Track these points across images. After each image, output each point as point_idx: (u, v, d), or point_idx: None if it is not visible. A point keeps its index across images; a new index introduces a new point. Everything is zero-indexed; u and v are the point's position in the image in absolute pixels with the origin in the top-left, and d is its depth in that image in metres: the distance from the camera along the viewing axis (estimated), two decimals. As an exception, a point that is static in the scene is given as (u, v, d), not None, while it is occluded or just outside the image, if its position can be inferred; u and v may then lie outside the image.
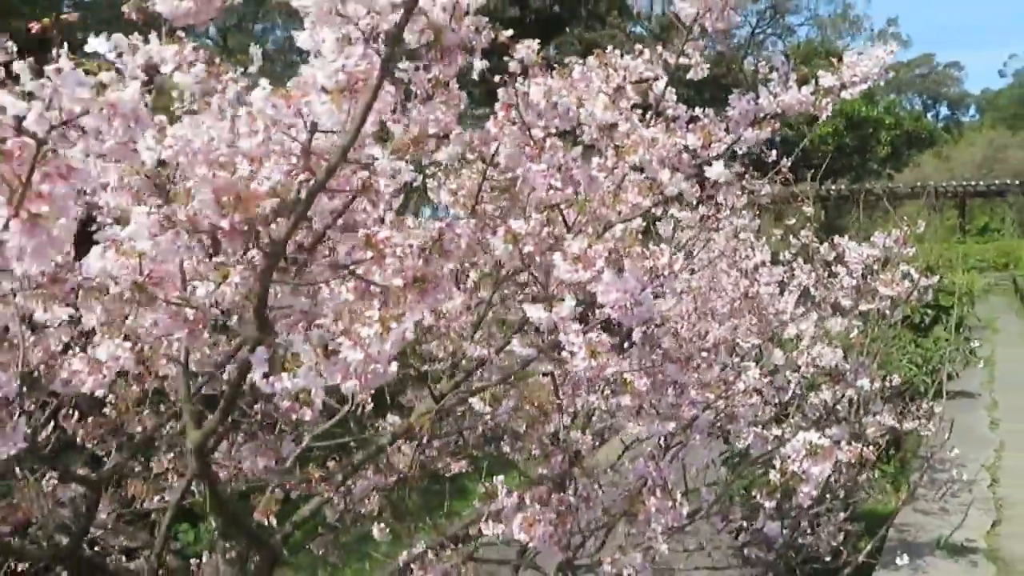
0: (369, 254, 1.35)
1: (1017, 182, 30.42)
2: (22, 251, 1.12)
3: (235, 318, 1.68)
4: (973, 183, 31.16)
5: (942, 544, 3.91)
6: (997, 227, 33.08)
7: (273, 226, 1.37)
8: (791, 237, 5.24)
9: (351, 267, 1.40)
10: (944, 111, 57.99)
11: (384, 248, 1.34)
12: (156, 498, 2.47)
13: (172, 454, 2.61)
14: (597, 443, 3.45)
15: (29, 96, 1.09)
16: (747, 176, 3.08)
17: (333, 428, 2.53)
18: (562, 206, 2.06)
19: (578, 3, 20.84)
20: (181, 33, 1.74)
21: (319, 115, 1.33)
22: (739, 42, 27.83)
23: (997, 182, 30.87)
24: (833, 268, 4.54)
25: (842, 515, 4.72)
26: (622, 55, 2.16)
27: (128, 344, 1.66)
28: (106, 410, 2.21)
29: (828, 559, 4.42)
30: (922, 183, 29.86)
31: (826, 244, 4.59)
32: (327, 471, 2.58)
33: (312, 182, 1.33)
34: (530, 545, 2.21)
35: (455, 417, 3.10)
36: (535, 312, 1.80)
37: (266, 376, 1.40)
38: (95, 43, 1.38)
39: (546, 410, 2.35)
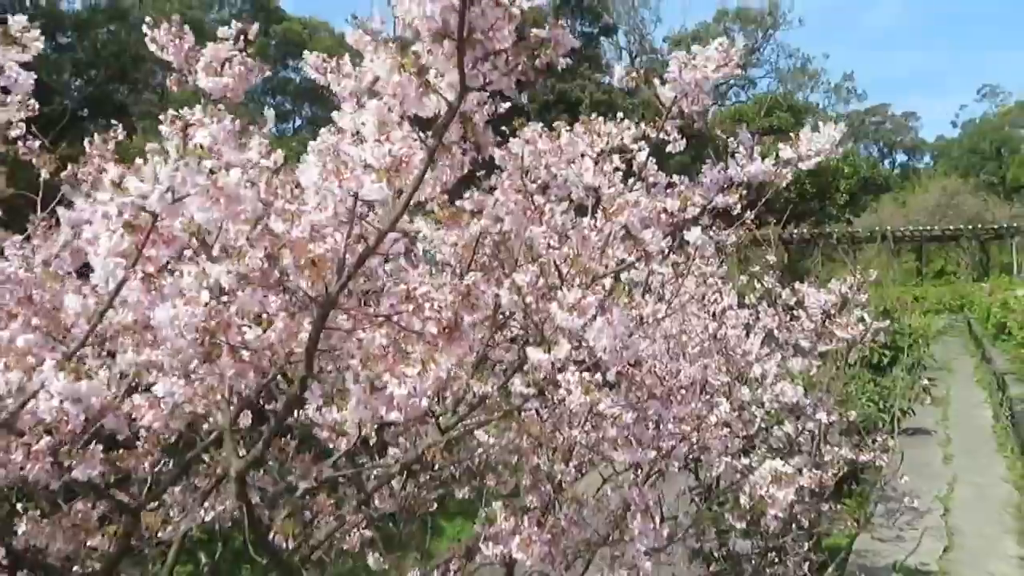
0: (410, 306, 1.62)
1: (970, 227, 31.65)
2: (137, 303, 1.38)
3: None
4: (929, 228, 32.33)
5: (898, 568, 4.20)
6: (953, 270, 34.26)
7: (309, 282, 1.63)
8: (755, 282, 5.58)
9: (392, 316, 1.67)
10: (901, 158, 60.03)
11: (423, 301, 1.61)
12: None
13: (180, 487, 2.80)
14: (578, 475, 3.69)
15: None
16: (713, 226, 3.39)
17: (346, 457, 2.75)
18: (557, 261, 2.35)
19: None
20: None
21: (369, 191, 1.60)
22: (706, 92, 28.80)
23: (952, 227, 32.10)
24: (794, 312, 4.88)
25: (807, 545, 5.00)
26: (597, 112, 2.46)
27: (182, 382, 1.89)
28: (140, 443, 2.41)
29: (795, 587, 4.68)
30: (880, 228, 30.92)
31: (787, 289, 4.93)
32: (339, 496, 2.81)
33: (362, 247, 1.60)
34: (527, 564, 2.46)
35: (451, 451, 3.32)
36: (535, 354, 2.07)
37: (318, 409, 1.67)
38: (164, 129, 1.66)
39: (541, 442, 2.61)
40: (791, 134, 2.67)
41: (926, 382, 6.57)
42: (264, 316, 1.70)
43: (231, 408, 2.07)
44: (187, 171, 1.31)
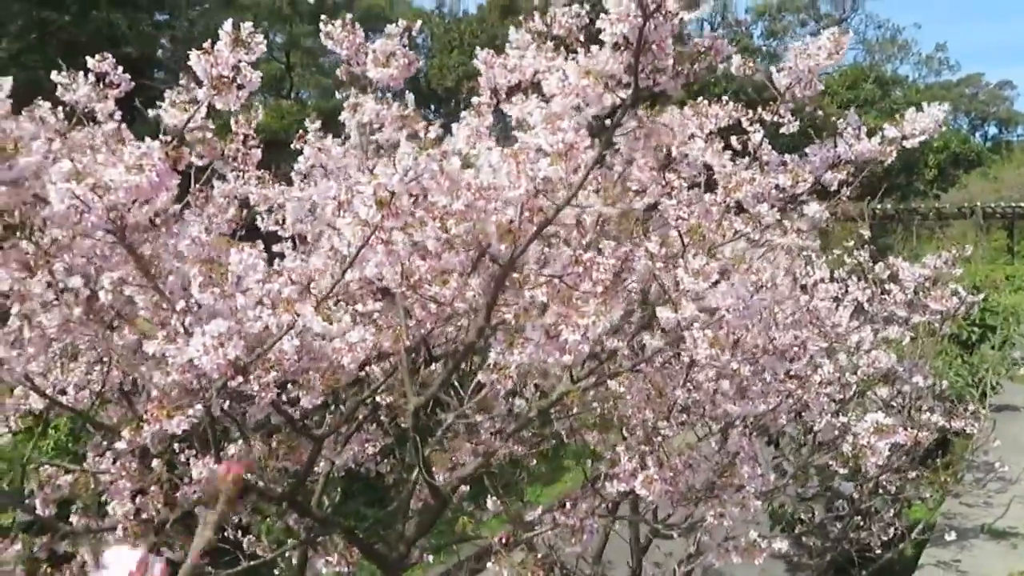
0: (579, 268, 1.95)
1: (1067, 203, 30.18)
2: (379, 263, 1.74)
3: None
4: (1022, 204, 30.96)
5: (986, 529, 4.38)
6: (1047, 248, 32.77)
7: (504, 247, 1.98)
8: (846, 256, 5.74)
9: (563, 277, 2.01)
10: (993, 130, 57.21)
11: (590, 266, 1.95)
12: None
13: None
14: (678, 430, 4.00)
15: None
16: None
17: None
18: (681, 231, 2.64)
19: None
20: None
21: (546, 171, 1.93)
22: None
23: (1047, 203, 30.68)
24: (886, 285, 5.04)
25: (892, 511, 5.20)
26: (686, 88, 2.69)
27: (373, 329, 2.26)
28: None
29: (879, 551, 4.91)
30: (969, 203, 29.80)
31: (880, 264, 5.09)
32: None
33: (541, 219, 1.94)
34: (649, 499, 2.80)
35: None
36: (665, 313, 2.38)
37: (501, 352, 2.02)
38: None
39: (661, 392, 2.92)
40: (879, 107, 2.87)
41: (1020, 354, 6.59)
42: (442, 275, 2.06)
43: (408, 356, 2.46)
44: (424, 160, 1.66)
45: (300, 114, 16.19)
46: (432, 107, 24.92)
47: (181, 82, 2.47)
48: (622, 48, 1.72)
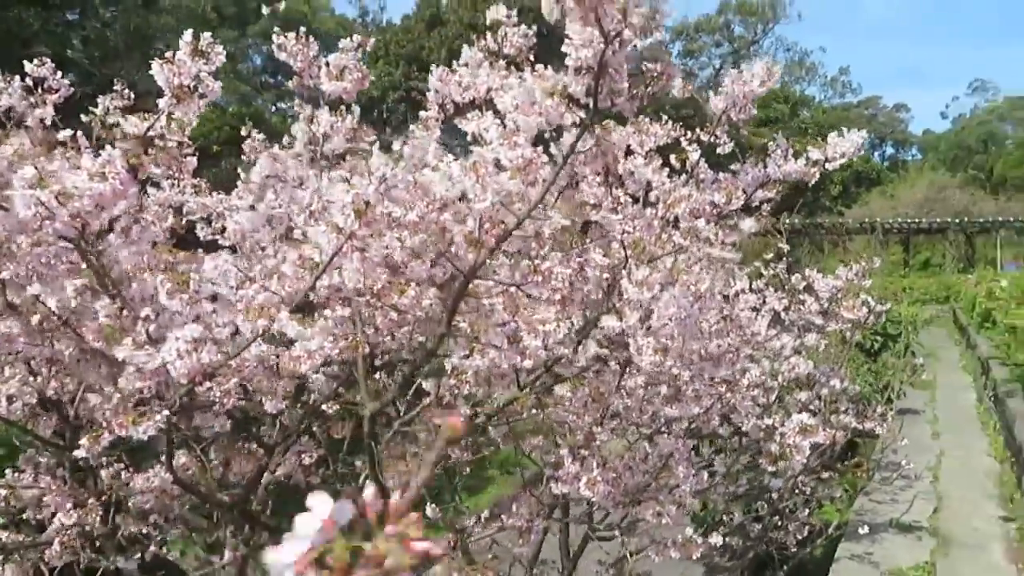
0: (538, 278, 2.06)
1: (956, 221, 32.35)
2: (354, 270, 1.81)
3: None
4: (916, 220, 33.01)
5: (894, 524, 4.70)
6: (939, 262, 35.00)
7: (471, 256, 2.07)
8: (763, 269, 6.06)
9: (521, 285, 2.11)
10: (890, 151, 60.61)
11: (548, 274, 2.05)
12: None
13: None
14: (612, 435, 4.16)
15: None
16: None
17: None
18: (625, 244, 2.78)
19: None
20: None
21: (506, 185, 2.03)
22: (704, 82, 29.45)
23: (938, 220, 32.79)
24: (800, 296, 5.35)
25: (806, 511, 5.51)
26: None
27: (331, 339, 2.31)
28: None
29: (795, 549, 5.20)
30: (870, 219, 31.55)
31: (796, 275, 5.39)
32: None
33: (501, 231, 2.04)
34: (590, 500, 2.92)
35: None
36: (610, 321, 2.51)
37: (463, 357, 2.10)
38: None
39: (604, 400, 3.05)
40: (789, 126, 3.12)
41: (920, 361, 7.08)
42: (402, 284, 2.13)
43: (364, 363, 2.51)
44: (398, 171, 1.73)
45: (220, 120, 15.81)
46: (355, 116, 24.74)
47: (117, 88, 2.48)
48: (583, 71, 1.84)
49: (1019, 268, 19.98)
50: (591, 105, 1.88)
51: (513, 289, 2.19)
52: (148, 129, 2.25)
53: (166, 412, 1.93)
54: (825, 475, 5.46)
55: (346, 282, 1.94)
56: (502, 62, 2.53)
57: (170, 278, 1.92)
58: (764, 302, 5.46)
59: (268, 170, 2.59)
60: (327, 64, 2.76)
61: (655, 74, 1.91)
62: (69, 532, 2.80)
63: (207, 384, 1.98)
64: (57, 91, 2.46)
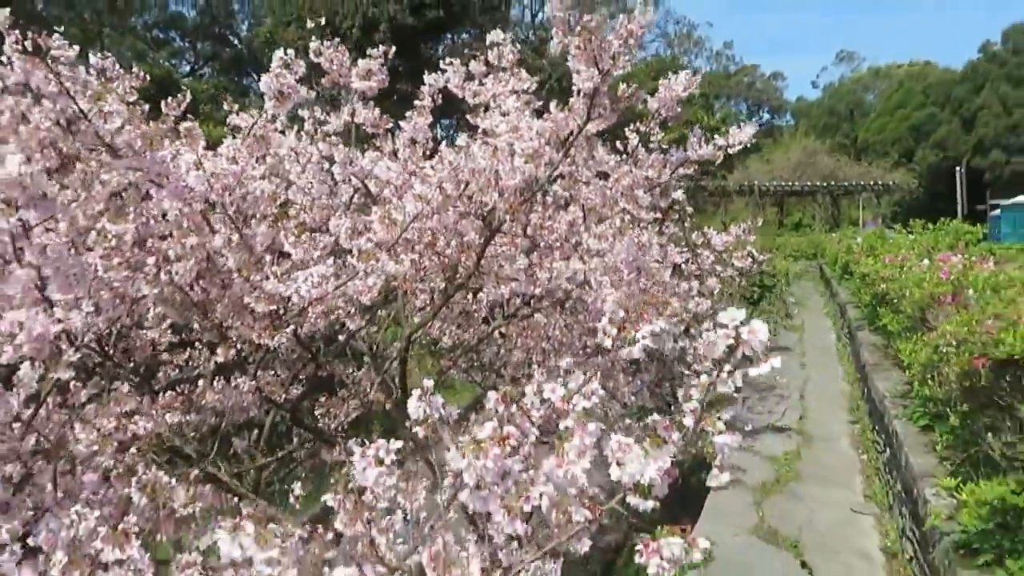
0: (544, 231, 2.99)
1: (824, 184, 35.31)
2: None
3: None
4: (789, 184, 35.78)
5: (770, 427, 5.98)
6: (809, 223, 38.11)
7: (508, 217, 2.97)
8: (664, 226, 7.18)
9: (533, 235, 3.03)
10: (766, 116, 64.28)
11: (553, 227, 2.98)
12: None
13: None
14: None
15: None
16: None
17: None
18: (586, 208, 3.73)
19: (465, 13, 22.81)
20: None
21: (522, 167, 2.94)
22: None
23: (809, 184, 35.69)
24: (699, 250, 6.51)
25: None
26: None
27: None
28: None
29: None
30: (748, 183, 33.96)
31: (696, 232, 6.54)
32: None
33: (520, 201, 2.95)
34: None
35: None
36: (576, 264, 3.46)
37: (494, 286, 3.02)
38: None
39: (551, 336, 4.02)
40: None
41: (792, 302, 8.47)
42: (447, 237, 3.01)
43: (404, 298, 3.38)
44: (466, 157, 2.61)
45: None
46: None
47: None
48: (583, 95, 2.76)
49: (876, 227, 22.41)
50: (587, 116, 2.81)
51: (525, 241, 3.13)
52: (253, 125, 3.03)
53: (292, 327, 2.76)
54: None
55: (416, 235, 2.81)
56: (502, 73, 3.43)
57: (294, 230, 2.74)
58: (666, 256, 6.61)
59: (326, 152, 3.38)
60: (358, 67, 3.56)
61: (626, 95, 2.86)
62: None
63: (317, 307, 2.82)
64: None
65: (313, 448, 3.93)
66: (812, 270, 22.01)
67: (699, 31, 47.59)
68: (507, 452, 1.40)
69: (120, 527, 1.86)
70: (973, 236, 12.46)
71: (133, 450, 2.60)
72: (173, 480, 2.08)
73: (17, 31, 2.27)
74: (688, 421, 1.44)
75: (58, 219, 2.28)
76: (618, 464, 1.40)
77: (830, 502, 4.41)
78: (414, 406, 1.55)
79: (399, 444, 1.48)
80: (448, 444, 1.43)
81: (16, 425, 2.15)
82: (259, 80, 3.23)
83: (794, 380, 7.68)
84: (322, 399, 4.15)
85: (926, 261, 6.11)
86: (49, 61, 2.32)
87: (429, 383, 1.56)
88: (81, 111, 2.41)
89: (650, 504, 1.40)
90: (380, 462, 1.44)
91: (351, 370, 4.03)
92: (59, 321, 2.13)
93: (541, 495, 1.40)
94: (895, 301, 5.64)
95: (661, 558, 1.37)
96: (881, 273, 6.76)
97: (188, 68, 31.92)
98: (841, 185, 35.80)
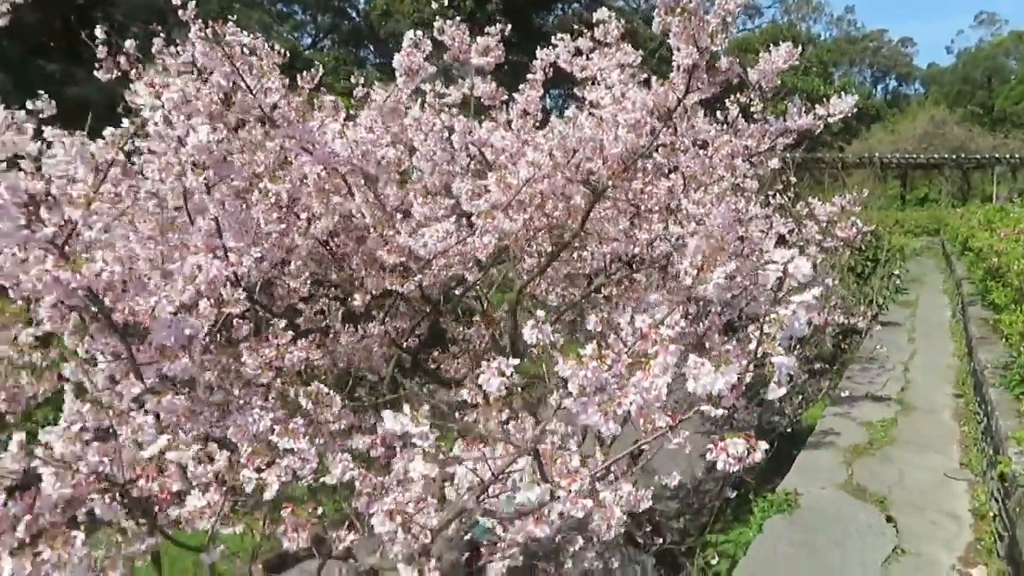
0: (645, 196, 3.27)
1: (953, 156, 33.31)
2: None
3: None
4: (915, 156, 33.95)
5: (869, 396, 6.03)
6: (935, 198, 36.11)
7: (611, 182, 3.26)
8: (771, 198, 7.25)
9: (632, 200, 3.31)
10: (893, 83, 60.83)
11: (650, 193, 3.26)
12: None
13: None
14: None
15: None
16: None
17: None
18: (686, 175, 3.96)
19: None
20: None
21: (627, 140, 3.21)
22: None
23: (936, 156, 33.75)
24: (803, 222, 6.57)
25: (798, 401, 6.85)
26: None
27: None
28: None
29: (789, 430, 6.55)
30: (869, 155, 32.48)
31: (800, 203, 6.59)
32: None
33: (622, 168, 3.23)
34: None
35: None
36: (675, 228, 3.71)
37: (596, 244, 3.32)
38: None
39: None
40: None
41: (898, 277, 8.35)
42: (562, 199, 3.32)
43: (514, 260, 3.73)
44: (574, 127, 2.92)
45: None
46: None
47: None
48: (682, 70, 3.00)
49: (1008, 203, 21.13)
50: (685, 89, 3.05)
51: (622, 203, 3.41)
52: (387, 97, 3.43)
53: (419, 277, 3.17)
54: (817, 366, 6.79)
55: (528, 198, 3.14)
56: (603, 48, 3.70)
57: (420, 192, 3.14)
58: (771, 226, 6.70)
59: (448, 123, 3.75)
60: (476, 44, 3.91)
61: (724, 69, 3.07)
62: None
63: (440, 260, 3.21)
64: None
65: (432, 391, 4.37)
66: (934, 246, 21.05)
67: (818, -5, 45.66)
68: (604, 367, 1.73)
69: (290, 426, 2.31)
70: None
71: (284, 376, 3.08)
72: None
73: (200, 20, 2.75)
74: (752, 346, 1.72)
75: (232, 179, 2.76)
76: (695, 379, 1.70)
77: (923, 466, 4.50)
78: (529, 332, 1.89)
79: (516, 361, 1.83)
80: (558, 359, 1.76)
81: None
82: (375, 52, 3.61)
83: (899, 354, 7.62)
84: (435, 354, 4.58)
85: (1044, 235, 5.96)
86: (224, 47, 2.78)
87: (541, 313, 1.90)
88: (248, 88, 2.87)
89: (719, 412, 1.70)
90: (502, 373, 1.79)
91: (462, 328, 4.43)
92: (231, 264, 2.60)
93: (631, 402, 1.72)
94: (1005, 274, 5.57)
95: (727, 455, 1.67)
96: (995, 247, 6.61)
97: (309, 40, 33.34)
98: (972, 158, 33.68)
